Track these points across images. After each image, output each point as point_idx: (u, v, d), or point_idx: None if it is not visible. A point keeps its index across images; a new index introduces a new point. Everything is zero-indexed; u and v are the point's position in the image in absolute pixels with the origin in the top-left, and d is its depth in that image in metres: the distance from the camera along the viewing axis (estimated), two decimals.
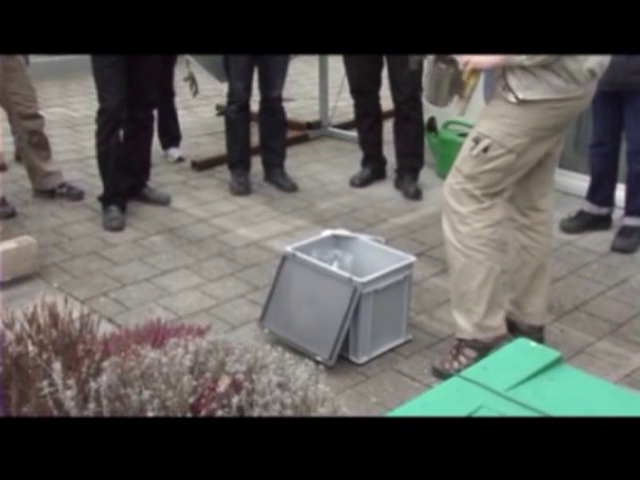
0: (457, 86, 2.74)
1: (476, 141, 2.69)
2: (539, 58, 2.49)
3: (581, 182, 4.27)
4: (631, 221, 3.97)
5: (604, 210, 4.11)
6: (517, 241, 2.94)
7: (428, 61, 2.83)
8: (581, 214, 4.14)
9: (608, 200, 4.10)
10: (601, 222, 4.13)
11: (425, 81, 2.89)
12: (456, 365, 2.83)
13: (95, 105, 4.17)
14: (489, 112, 2.74)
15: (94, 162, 4.32)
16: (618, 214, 4.09)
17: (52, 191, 4.55)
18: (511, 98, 2.62)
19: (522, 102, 2.60)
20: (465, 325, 2.86)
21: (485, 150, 2.67)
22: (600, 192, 4.07)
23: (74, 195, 4.56)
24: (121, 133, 4.23)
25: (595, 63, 2.57)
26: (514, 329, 2.96)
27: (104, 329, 2.21)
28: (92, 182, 4.64)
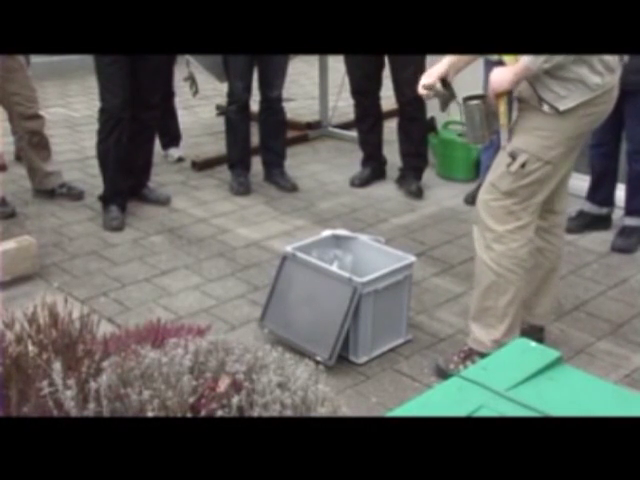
0: (491, 119, 2.66)
1: (513, 156, 2.63)
2: (556, 59, 2.45)
3: (581, 182, 4.26)
4: (631, 221, 3.97)
5: (604, 210, 4.11)
6: (532, 244, 2.92)
7: (457, 103, 2.75)
8: (581, 214, 4.14)
9: (608, 200, 4.09)
10: (601, 222, 4.12)
11: (464, 123, 2.80)
12: (461, 368, 2.81)
13: (95, 105, 4.18)
14: (523, 125, 2.67)
15: (94, 162, 4.33)
16: (618, 214, 4.09)
17: (52, 191, 4.55)
18: (547, 109, 2.57)
19: (562, 112, 2.56)
20: (483, 339, 2.84)
21: (523, 165, 2.63)
22: (600, 192, 4.07)
23: (74, 195, 4.56)
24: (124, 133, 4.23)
25: None
26: None
27: (104, 329, 2.21)
28: (92, 182, 4.64)
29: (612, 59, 2.53)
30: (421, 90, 2.77)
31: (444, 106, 2.80)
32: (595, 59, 2.50)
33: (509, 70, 2.57)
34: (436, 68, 2.73)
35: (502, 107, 2.65)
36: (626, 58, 2.63)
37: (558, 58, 2.45)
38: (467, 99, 2.70)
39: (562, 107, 2.55)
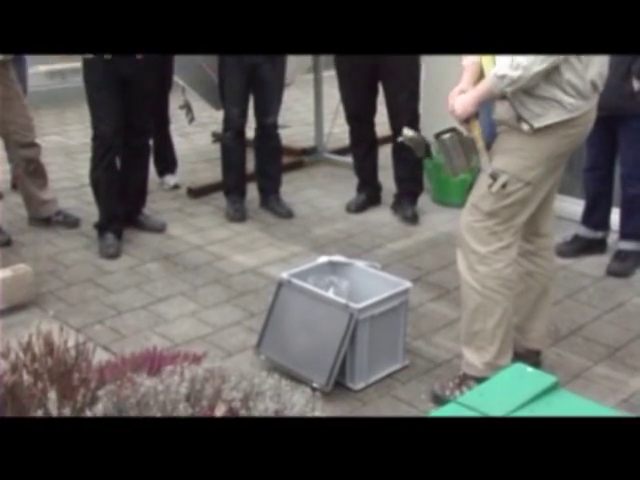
0: (468, 146, 2.68)
1: (493, 177, 2.65)
2: (519, 83, 2.48)
3: (576, 206, 4.28)
4: (626, 245, 3.98)
5: (599, 234, 4.12)
6: (521, 267, 2.92)
7: (432, 143, 2.77)
8: (576, 238, 4.14)
9: (603, 224, 4.11)
10: (596, 246, 4.13)
11: (442, 160, 2.81)
12: (457, 393, 2.81)
13: (91, 132, 4.19)
14: (503, 147, 2.70)
15: (90, 189, 4.33)
16: (613, 238, 4.10)
17: (48, 219, 4.55)
18: (525, 128, 2.59)
19: (538, 130, 2.58)
20: (476, 362, 2.84)
21: (504, 186, 2.65)
22: (595, 216, 4.08)
23: (70, 223, 4.57)
24: (118, 160, 4.24)
25: (595, 74, 2.57)
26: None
27: (100, 357, 2.21)
28: (88, 209, 4.64)
29: (583, 86, 2.56)
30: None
31: (420, 152, 2.84)
32: (565, 82, 2.53)
33: (469, 95, 2.63)
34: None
35: (475, 131, 2.67)
36: (601, 87, 2.66)
37: (521, 82, 2.47)
38: (438, 135, 2.72)
39: (537, 124, 2.58)
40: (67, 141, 6.40)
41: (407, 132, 2.83)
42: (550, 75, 2.51)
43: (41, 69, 7.23)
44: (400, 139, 2.89)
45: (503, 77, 2.48)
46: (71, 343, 2.06)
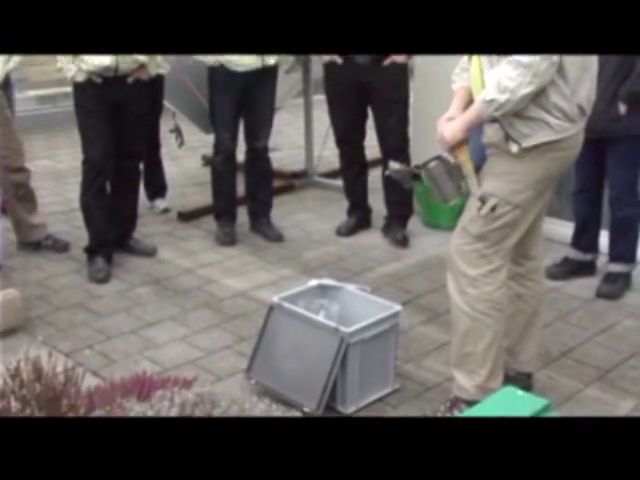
0: (456, 172, 2.69)
1: (482, 200, 2.66)
2: (507, 107, 2.50)
3: (565, 229, 4.30)
4: (615, 267, 3.99)
5: (589, 256, 4.14)
6: (511, 290, 2.92)
7: (419, 173, 2.76)
8: (566, 261, 4.16)
9: (592, 246, 4.12)
10: (586, 268, 4.15)
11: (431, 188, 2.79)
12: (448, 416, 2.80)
13: (81, 157, 4.19)
14: (492, 170, 2.72)
15: (80, 214, 4.32)
16: (603, 260, 4.12)
17: (37, 243, 4.54)
18: (514, 148, 2.61)
19: (525, 151, 2.59)
20: (467, 385, 2.84)
21: (493, 209, 2.66)
22: (584, 238, 4.10)
23: (59, 247, 4.55)
24: (108, 184, 4.24)
25: (583, 98, 2.60)
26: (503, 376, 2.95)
27: (89, 382, 2.20)
28: (78, 234, 4.63)
29: (570, 109, 2.58)
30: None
31: (407, 183, 2.85)
32: (551, 105, 2.55)
33: (458, 122, 2.64)
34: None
35: (463, 156, 2.68)
36: (589, 111, 2.68)
37: (509, 105, 2.49)
38: (425, 164, 2.72)
39: (525, 144, 2.59)
40: (57, 165, 6.40)
41: (393, 165, 2.84)
42: (537, 98, 2.53)
43: (31, 94, 7.24)
44: (387, 173, 2.90)
45: (491, 101, 2.50)
46: (60, 368, 2.05)
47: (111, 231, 4.31)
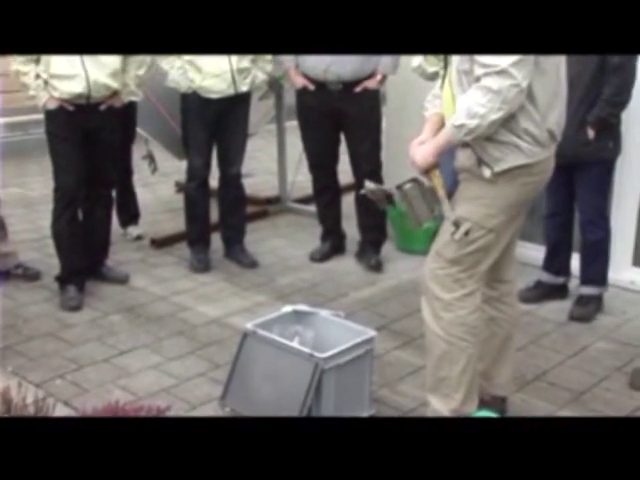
0: (430, 195, 2.70)
1: (456, 225, 2.67)
2: (477, 132, 2.51)
3: (537, 252, 4.33)
4: (587, 290, 4.03)
5: (560, 279, 4.17)
6: (485, 313, 2.93)
7: (394, 194, 2.77)
8: (539, 284, 4.19)
9: (564, 269, 4.16)
10: (558, 291, 4.18)
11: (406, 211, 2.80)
12: None
13: (52, 184, 4.15)
14: (465, 194, 2.73)
15: (51, 242, 4.28)
16: (574, 283, 4.15)
17: (7, 272, 4.49)
18: (487, 173, 2.62)
19: (498, 175, 2.61)
20: (442, 410, 2.83)
21: (466, 233, 2.68)
22: (556, 262, 4.14)
23: (30, 276, 4.50)
24: (80, 211, 4.21)
25: (553, 124, 2.62)
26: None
27: (60, 413, 2.16)
28: (49, 262, 4.58)
29: (540, 134, 2.60)
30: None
31: (382, 204, 2.86)
32: (521, 130, 2.58)
33: (428, 146, 2.66)
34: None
35: (436, 180, 2.69)
36: (559, 137, 2.71)
37: (479, 131, 2.51)
38: (400, 186, 2.73)
39: (497, 168, 2.61)
40: (28, 193, 6.35)
41: (368, 185, 2.85)
42: (508, 122, 2.55)
43: (1, 121, 7.19)
44: (362, 192, 2.91)
45: (461, 127, 2.52)
46: (30, 399, 2.02)
47: (83, 259, 4.27)
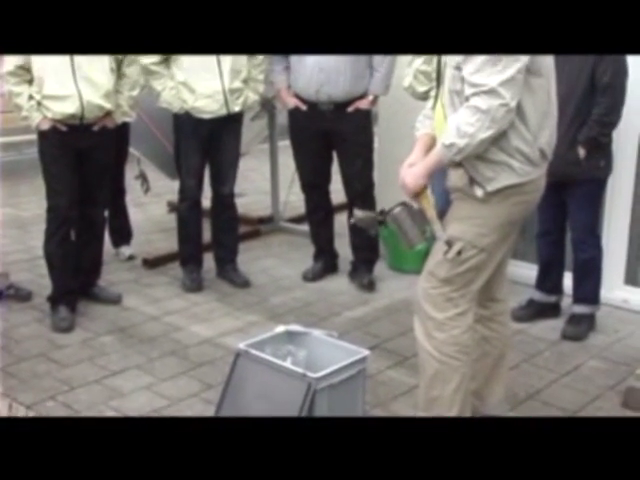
0: (419, 217, 2.71)
1: (449, 244, 2.68)
2: (466, 151, 2.52)
3: (529, 271, 4.34)
4: (579, 309, 4.03)
5: (553, 298, 4.18)
6: (478, 333, 2.93)
7: (386, 217, 2.77)
8: (531, 303, 4.19)
9: (557, 288, 4.16)
10: (550, 310, 4.18)
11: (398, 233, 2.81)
12: None
13: (45, 204, 4.15)
14: (457, 214, 2.74)
15: (43, 262, 4.27)
16: (567, 301, 4.16)
17: (0, 293, 4.47)
18: (479, 192, 2.63)
19: (490, 195, 2.62)
20: None
21: (459, 253, 2.68)
22: (548, 280, 4.14)
23: (22, 296, 4.48)
24: (72, 232, 4.20)
25: (544, 143, 2.64)
26: None
27: None
28: (41, 282, 4.57)
29: (532, 153, 2.61)
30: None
31: (373, 230, 2.87)
32: (513, 149, 2.59)
33: (419, 167, 2.66)
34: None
35: (425, 202, 2.71)
36: (550, 156, 2.73)
37: (468, 150, 2.52)
38: (389, 211, 2.75)
39: (489, 188, 2.62)
40: (20, 213, 6.34)
41: (357, 213, 2.86)
42: (499, 142, 2.56)
43: None
44: (352, 221, 2.92)
45: (451, 146, 2.53)
46: None
47: (75, 279, 4.25)
